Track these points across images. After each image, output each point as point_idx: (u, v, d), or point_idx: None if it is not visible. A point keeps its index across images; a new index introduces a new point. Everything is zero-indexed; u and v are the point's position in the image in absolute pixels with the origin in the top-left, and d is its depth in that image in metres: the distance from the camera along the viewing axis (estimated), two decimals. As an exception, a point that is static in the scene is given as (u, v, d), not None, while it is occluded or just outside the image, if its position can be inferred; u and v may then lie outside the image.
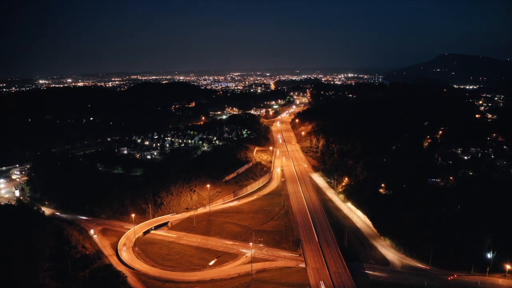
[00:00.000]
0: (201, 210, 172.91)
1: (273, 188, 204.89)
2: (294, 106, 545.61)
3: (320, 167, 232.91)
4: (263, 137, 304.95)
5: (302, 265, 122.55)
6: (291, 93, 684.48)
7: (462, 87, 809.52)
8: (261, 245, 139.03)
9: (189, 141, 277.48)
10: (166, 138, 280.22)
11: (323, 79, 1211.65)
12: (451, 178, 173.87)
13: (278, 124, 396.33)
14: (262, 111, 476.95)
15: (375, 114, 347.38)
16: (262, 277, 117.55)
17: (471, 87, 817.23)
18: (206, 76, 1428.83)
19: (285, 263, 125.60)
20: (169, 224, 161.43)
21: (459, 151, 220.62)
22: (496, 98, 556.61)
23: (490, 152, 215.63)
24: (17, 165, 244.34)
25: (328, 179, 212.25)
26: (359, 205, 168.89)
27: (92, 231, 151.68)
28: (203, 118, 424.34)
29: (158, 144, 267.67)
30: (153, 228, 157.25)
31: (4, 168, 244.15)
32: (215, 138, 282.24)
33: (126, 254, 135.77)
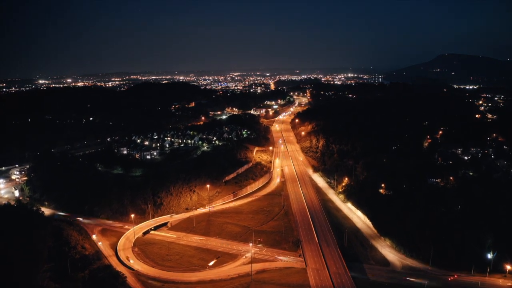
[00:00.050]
0: (200, 211, 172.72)
1: (273, 188, 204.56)
2: (294, 106, 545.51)
3: (320, 167, 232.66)
4: (263, 137, 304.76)
5: (302, 265, 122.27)
6: (291, 93, 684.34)
7: (462, 87, 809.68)
8: (260, 245, 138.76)
9: (189, 141, 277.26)
10: (166, 138, 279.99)
11: (323, 79, 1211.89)
12: (451, 178, 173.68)
13: (278, 124, 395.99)
14: (262, 111, 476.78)
15: (375, 114, 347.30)
16: (262, 277, 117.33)
17: (471, 87, 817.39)
18: (206, 76, 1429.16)
19: (285, 264, 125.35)
20: (168, 225, 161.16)
21: (459, 151, 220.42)
22: (496, 98, 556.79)
23: (490, 152, 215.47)
24: (17, 165, 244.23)
25: (328, 179, 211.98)
26: (359, 205, 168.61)
27: (91, 232, 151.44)
28: (203, 118, 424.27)
29: (158, 144, 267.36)
30: (152, 228, 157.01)
31: (3, 168, 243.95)
32: (215, 138, 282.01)
33: (125, 255, 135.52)
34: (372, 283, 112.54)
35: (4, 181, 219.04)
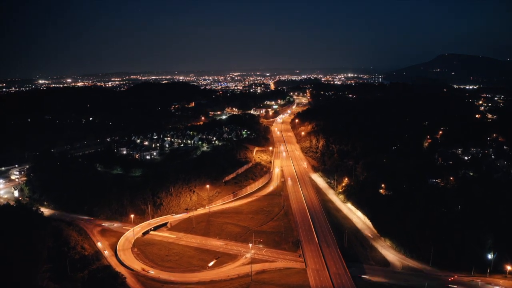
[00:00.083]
0: (200, 211, 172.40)
1: (272, 188, 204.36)
2: (294, 106, 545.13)
3: (320, 168, 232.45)
4: (262, 137, 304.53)
5: (302, 266, 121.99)
6: (291, 93, 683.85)
7: (462, 87, 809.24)
8: (260, 246, 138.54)
9: (189, 141, 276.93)
10: (166, 139, 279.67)
11: (323, 79, 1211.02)
12: (451, 178, 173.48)
13: (277, 124, 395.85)
14: (262, 111, 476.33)
15: (375, 114, 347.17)
16: (261, 278, 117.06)
17: (471, 87, 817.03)
18: (206, 76, 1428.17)
19: (285, 264, 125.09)
20: (168, 225, 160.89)
21: (459, 152, 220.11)
22: (496, 98, 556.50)
23: (490, 153, 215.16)
24: (16, 165, 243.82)
25: (328, 180, 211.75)
26: (359, 205, 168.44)
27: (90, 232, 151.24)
28: (202, 118, 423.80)
29: (158, 145, 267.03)
30: (152, 228, 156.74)
31: (3, 168, 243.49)
32: (214, 138, 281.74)
33: (124, 255, 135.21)
34: (372, 284, 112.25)
35: (4, 181, 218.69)
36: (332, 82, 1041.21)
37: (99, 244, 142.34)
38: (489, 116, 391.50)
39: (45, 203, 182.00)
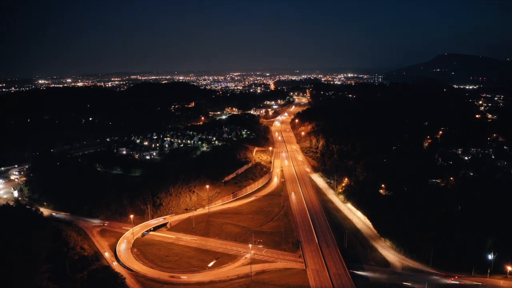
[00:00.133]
0: (200, 211, 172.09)
1: (272, 188, 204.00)
2: (293, 106, 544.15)
3: (320, 168, 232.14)
4: (262, 138, 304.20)
5: (302, 266, 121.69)
6: (291, 93, 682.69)
7: (462, 87, 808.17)
8: (260, 246, 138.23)
9: (188, 141, 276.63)
10: (165, 139, 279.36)
11: (322, 79, 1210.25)
12: (451, 178, 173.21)
13: (277, 124, 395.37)
14: (261, 111, 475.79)
15: (375, 114, 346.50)
16: (261, 278, 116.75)
17: (471, 87, 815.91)
18: (205, 76, 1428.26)
19: (285, 265, 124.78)
20: (168, 225, 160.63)
21: (460, 152, 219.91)
22: (496, 98, 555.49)
23: (490, 153, 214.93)
24: (16, 166, 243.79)
25: (328, 180, 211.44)
26: (359, 206, 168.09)
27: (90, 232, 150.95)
28: (202, 118, 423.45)
29: (157, 145, 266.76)
30: (152, 229, 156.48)
31: (3, 168, 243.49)
32: (214, 139, 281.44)
33: (124, 256, 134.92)
34: (372, 284, 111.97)
35: (3, 181, 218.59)
36: (332, 82, 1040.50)
37: (98, 245, 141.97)
38: (489, 116, 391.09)
39: (45, 203, 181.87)
